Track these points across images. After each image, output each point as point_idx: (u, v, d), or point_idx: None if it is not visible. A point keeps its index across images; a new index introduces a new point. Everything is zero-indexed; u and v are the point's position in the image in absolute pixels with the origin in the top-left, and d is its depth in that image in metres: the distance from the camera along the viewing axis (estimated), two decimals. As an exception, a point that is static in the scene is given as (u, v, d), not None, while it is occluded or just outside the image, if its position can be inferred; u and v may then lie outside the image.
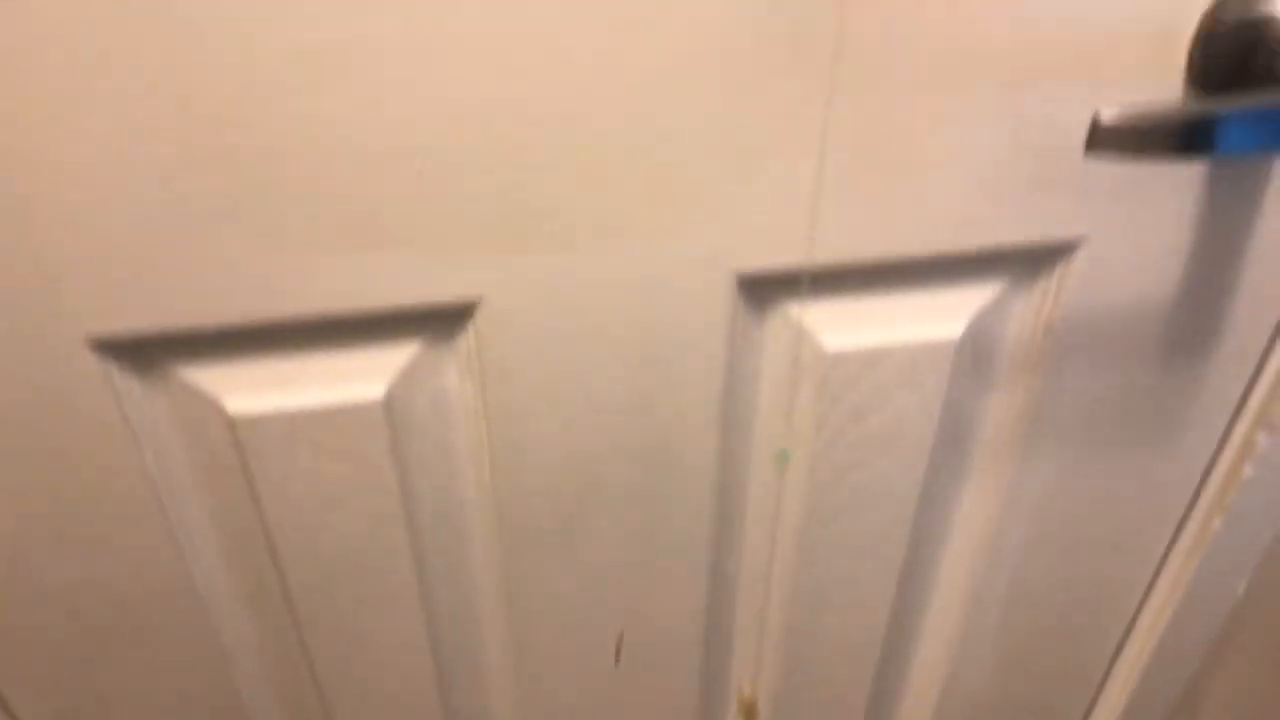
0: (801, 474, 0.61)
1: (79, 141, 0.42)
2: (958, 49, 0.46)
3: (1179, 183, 0.52)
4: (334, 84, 0.42)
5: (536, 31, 0.43)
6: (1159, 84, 0.48)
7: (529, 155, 0.46)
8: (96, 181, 0.43)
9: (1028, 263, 0.55)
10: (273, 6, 0.40)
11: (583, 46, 0.43)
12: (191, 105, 0.42)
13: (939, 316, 0.56)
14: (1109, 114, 0.42)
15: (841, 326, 0.56)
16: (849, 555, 0.66)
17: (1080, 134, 0.50)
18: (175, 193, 0.44)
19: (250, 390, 0.52)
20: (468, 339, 0.52)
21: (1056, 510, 0.66)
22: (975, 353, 0.58)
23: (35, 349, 0.48)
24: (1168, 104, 0.43)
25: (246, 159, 0.44)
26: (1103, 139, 0.43)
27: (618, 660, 0.68)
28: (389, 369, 0.53)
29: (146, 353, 0.50)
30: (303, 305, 0.49)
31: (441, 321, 0.52)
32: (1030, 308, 0.57)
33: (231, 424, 0.52)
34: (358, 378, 0.53)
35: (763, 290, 0.53)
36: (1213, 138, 0.43)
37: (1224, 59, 0.47)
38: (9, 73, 0.40)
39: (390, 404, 0.54)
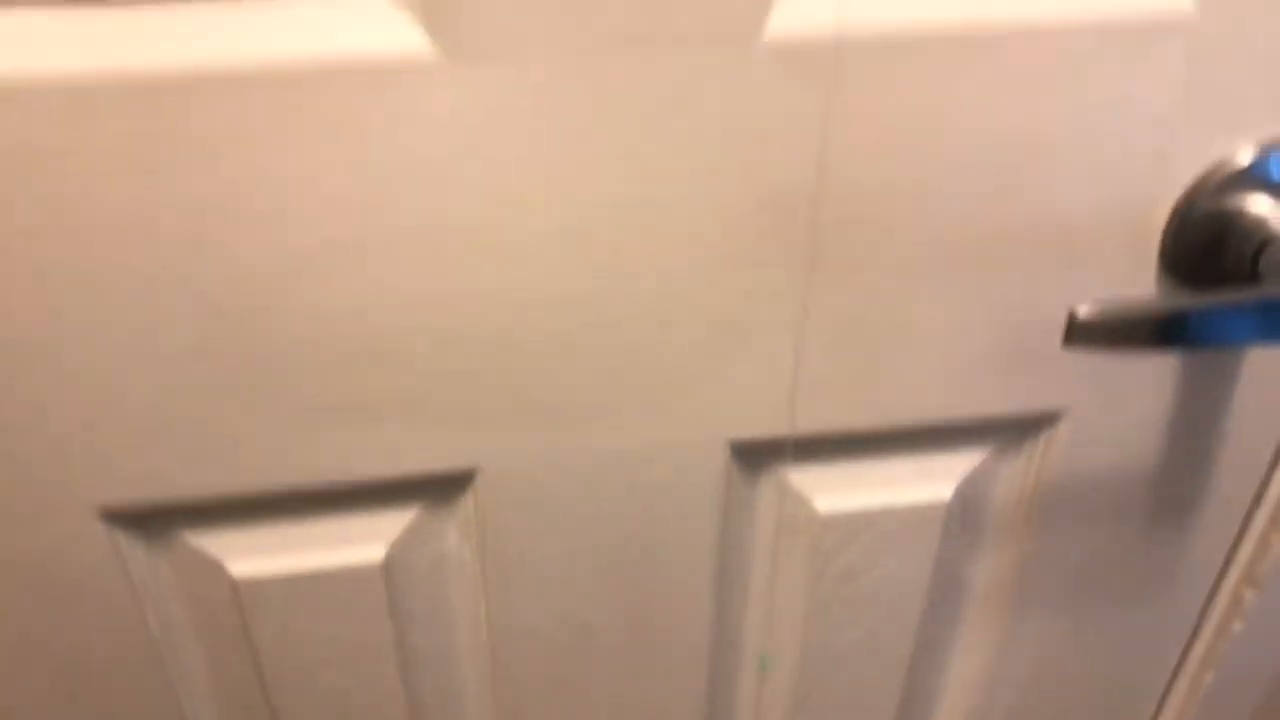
0: (794, 632, 0.62)
1: (92, 325, 0.44)
2: (934, 237, 0.48)
3: (1158, 359, 0.54)
4: (338, 276, 0.44)
5: (531, 226, 0.45)
6: (1134, 269, 0.50)
7: (524, 337, 0.48)
8: (108, 362, 0.45)
9: (1012, 431, 0.57)
10: (280, 207, 0.42)
11: (577, 238, 0.45)
12: (201, 293, 0.44)
13: (928, 480, 0.57)
14: (1085, 310, 0.44)
15: (833, 489, 0.57)
16: (842, 712, 0.66)
17: (1058, 315, 0.51)
18: (183, 372, 0.46)
19: (253, 553, 0.53)
20: (466, 504, 0.53)
21: (1049, 664, 0.67)
22: (964, 514, 0.59)
23: (43, 518, 0.49)
24: (1142, 300, 0.45)
25: (252, 341, 0.46)
26: (1079, 334, 0.44)
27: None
28: (389, 532, 0.54)
29: (152, 519, 0.51)
30: (305, 475, 0.50)
31: (441, 488, 0.53)
32: (1017, 472, 0.58)
33: (234, 586, 0.53)
34: (358, 541, 0.54)
35: (755, 456, 0.55)
36: (1187, 332, 0.45)
37: (1196, 247, 0.50)
38: (27, 253, 0.42)
39: (390, 566, 0.55)
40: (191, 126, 0.40)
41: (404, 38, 0.40)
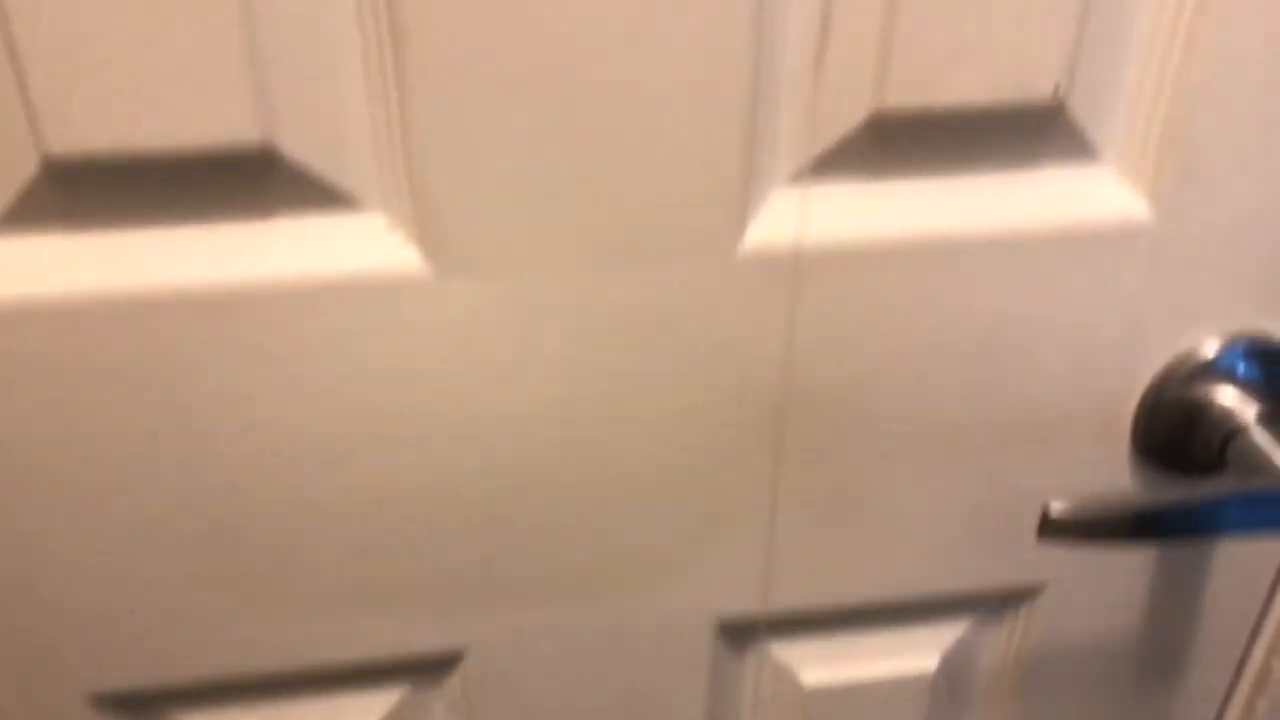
0: (783, 802, 0.62)
1: (87, 520, 0.45)
2: (906, 429, 0.49)
3: (1133, 538, 0.55)
4: (329, 472, 0.46)
5: (518, 423, 0.46)
6: (1107, 453, 0.52)
7: (512, 524, 0.49)
8: (102, 554, 0.46)
9: (994, 603, 0.58)
10: (274, 410, 0.44)
11: (561, 432, 0.47)
12: (195, 489, 0.45)
13: (912, 652, 0.58)
14: (1058, 507, 0.45)
15: (818, 662, 0.57)
16: None
17: (1035, 495, 0.53)
18: (178, 563, 0.47)
19: (241, 734, 0.53)
20: (454, 684, 0.54)
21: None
22: (949, 683, 0.60)
23: (32, 703, 0.49)
24: (1112, 496, 0.46)
25: (245, 533, 0.47)
26: (1053, 529, 0.45)
27: None
28: (378, 711, 0.54)
29: (141, 703, 0.51)
30: (294, 659, 0.51)
31: (429, 668, 0.53)
32: (1000, 641, 0.59)
33: (221, 767, 0.53)
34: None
35: (741, 632, 0.56)
36: (1160, 527, 0.46)
37: (1166, 434, 0.51)
38: (29, 450, 0.43)
39: (377, 744, 0.55)
40: (192, 338, 0.42)
41: (400, 257, 0.42)
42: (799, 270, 0.44)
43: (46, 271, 0.40)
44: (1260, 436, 0.48)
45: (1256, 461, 0.48)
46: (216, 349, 0.42)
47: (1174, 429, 0.51)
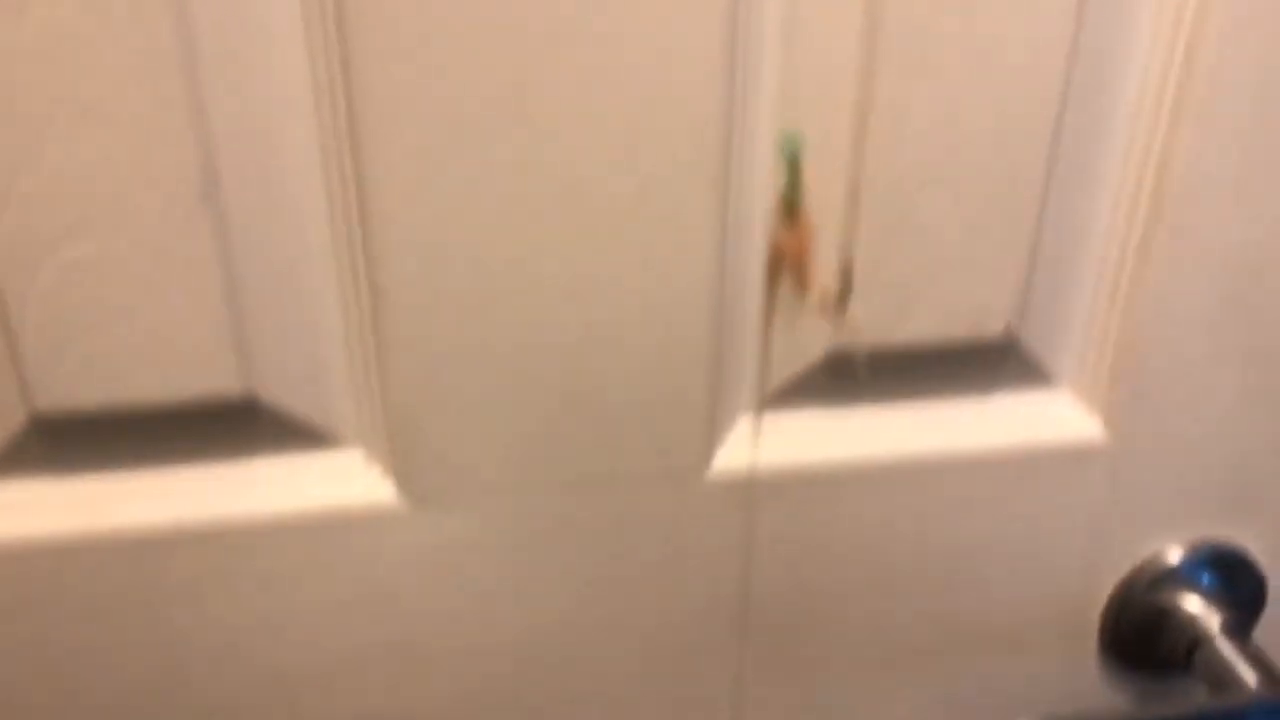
0: None
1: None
2: (872, 638, 0.50)
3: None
4: (308, 695, 0.46)
5: (487, 642, 0.47)
6: (1075, 656, 0.52)
7: (485, 699, 0.49)
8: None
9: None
10: (254, 637, 0.45)
11: (529, 652, 0.48)
12: (178, 717, 0.46)
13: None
14: (1023, 728, 0.46)
15: None
16: None
17: (1006, 695, 0.53)
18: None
19: None
20: None
21: None
22: None
23: None
24: (1079, 717, 0.46)
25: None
26: (1019, 750, 0.46)
27: None
28: None
29: None
30: None
31: None
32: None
33: None
34: None
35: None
36: (1123, 747, 0.47)
37: (1133, 637, 0.52)
38: (9, 675, 0.44)
39: None
40: (175, 575, 0.43)
41: (376, 490, 0.43)
42: (754, 494, 0.45)
43: (33, 515, 0.41)
44: (1225, 647, 0.49)
45: (1222, 673, 0.48)
46: (200, 585, 0.43)
47: (1141, 634, 0.52)
